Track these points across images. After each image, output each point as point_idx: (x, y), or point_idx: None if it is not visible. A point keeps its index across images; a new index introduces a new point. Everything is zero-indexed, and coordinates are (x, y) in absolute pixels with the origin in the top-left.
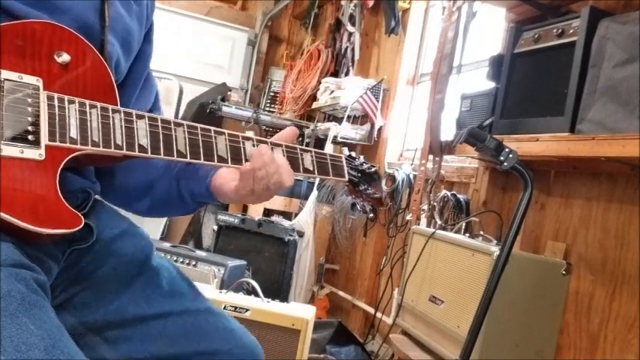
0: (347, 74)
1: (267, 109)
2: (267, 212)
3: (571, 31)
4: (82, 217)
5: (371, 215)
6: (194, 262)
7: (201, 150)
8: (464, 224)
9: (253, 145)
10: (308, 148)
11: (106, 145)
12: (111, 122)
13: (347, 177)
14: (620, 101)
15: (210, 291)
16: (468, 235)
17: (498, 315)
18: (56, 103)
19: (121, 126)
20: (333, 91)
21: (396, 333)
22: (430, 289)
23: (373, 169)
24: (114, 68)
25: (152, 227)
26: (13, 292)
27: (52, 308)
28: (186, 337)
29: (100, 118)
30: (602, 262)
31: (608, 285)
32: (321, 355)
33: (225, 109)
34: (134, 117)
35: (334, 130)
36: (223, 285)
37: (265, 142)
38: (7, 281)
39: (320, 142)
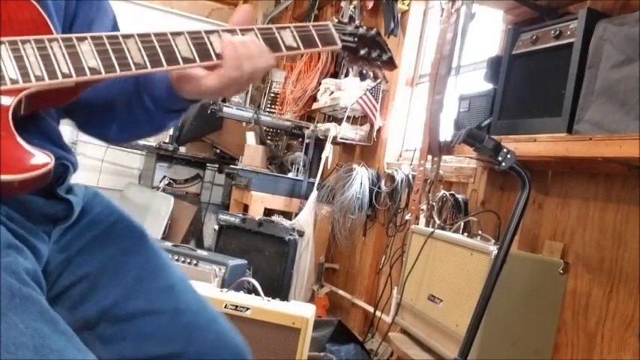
0: (346, 75)
1: (268, 109)
2: (268, 212)
3: (568, 32)
4: (51, 155)
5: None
6: (195, 262)
7: (162, 56)
8: (462, 224)
9: (219, 36)
10: (285, 25)
11: (52, 77)
12: (50, 52)
13: (340, 44)
14: (618, 102)
15: (211, 290)
16: (466, 234)
17: (496, 314)
18: None
19: (63, 53)
20: (332, 92)
21: (395, 331)
22: (429, 288)
23: (374, 31)
24: (52, 7)
25: (153, 227)
26: (2, 288)
27: (44, 299)
28: (180, 337)
29: (36, 51)
30: (599, 261)
31: (606, 284)
32: (321, 354)
33: (225, 109)
34: (75, 41)
35: (334, 130)
36: (224, 284)
37: (233, 31)
38: None
39: (320, 143)
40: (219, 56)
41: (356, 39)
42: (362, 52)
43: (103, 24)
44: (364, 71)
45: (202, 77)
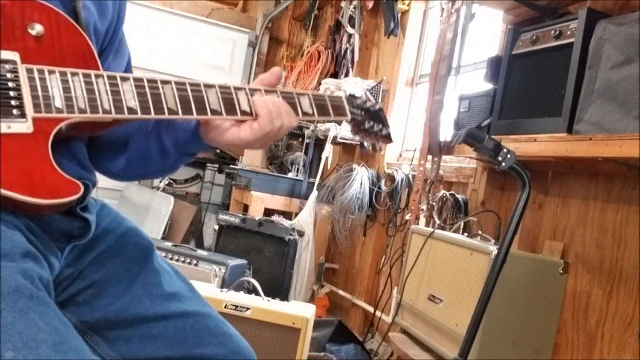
0: (346, 75)
1: None
2: (268, 212)
3: (568, 32)
4: (80, 184)
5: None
6: (195, 262)
7: (193, 105)
8: (462, 224)
9: (246, 94)
10: (304, 91)
11: (93, 111)
12: (95, 88)
13: (349, 116)
14: (618, 102)
15: (211, 290)
16: (466, 234)
17: (496, 314)
18: (36, 75)
19: (107, 90)
20: (332, 92)
21: (395, 331)
22: (429, 288)
23: (378, 107)
24: (93, 34)
25: (153, 227)
26: (21, 287)
27: (56, 306)
28: (185, 340)
29: (83, 84)
30: (599, 261)
31: (606, 284)
32: (321, 354)
33: None
34: (118, 80)
35: (334, 130)
36: (224, 284)
37: (259, 90)
38: (15, 277)
39: (320, 143)
40: (243, 112)
41: (363, 112)
42: (366, 125)
43: (117, 65)
44: (365, 143)
45: (227, 128)
